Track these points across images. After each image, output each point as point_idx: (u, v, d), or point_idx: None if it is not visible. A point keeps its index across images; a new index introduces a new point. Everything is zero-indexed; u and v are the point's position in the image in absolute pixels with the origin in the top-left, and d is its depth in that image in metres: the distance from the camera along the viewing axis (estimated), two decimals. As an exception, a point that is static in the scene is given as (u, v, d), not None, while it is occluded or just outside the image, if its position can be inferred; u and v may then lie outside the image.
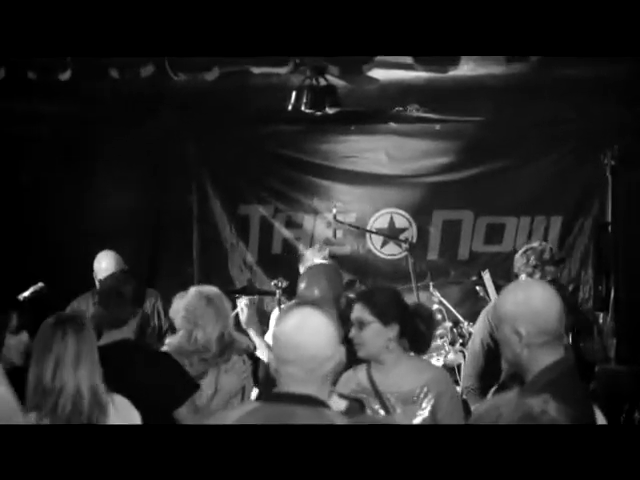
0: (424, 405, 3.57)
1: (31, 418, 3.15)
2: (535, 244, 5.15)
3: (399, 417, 3.50)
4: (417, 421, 3.54)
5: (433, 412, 3.55)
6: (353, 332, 3.63)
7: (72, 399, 3.20)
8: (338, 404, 3.10)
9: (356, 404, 3.21)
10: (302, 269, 5.65)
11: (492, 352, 4.59)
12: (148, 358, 4.02)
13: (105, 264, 5.64)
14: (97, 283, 5.56)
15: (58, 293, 5.67)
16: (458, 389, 4.17)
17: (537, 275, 4.88)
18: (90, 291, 5.65)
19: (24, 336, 3.47)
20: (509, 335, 2.90)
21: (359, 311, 3.64)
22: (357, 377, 3.68)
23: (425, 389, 3.57)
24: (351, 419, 2.85)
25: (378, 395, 3.58)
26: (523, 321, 2.86)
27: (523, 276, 4.92)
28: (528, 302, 2.89)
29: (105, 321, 3.94)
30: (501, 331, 2.96)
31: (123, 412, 3.33)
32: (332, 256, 5.90)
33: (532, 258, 4.93)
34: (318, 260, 5.76)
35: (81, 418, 3.20)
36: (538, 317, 2.87)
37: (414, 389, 3.58)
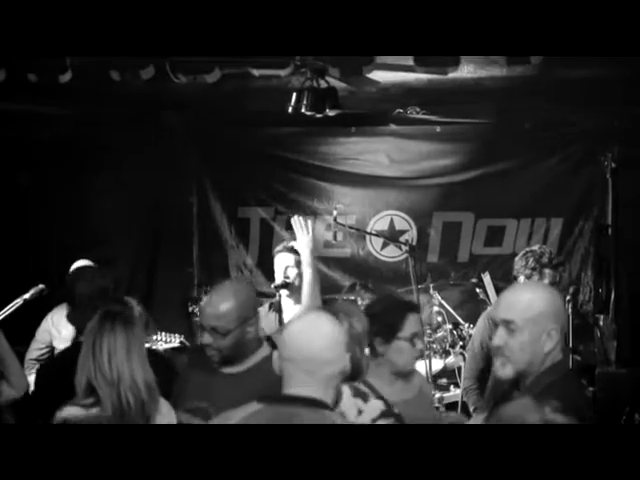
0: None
1: (92, 413, 3.17)
2: (535, 247, 5.18)
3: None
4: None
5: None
6: None
7: (130, 390, 3.22)
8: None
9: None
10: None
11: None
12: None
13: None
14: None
15: (58, 295, 5.67)
16: None
17: (535, 277, 4.91)
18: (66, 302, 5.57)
19: None
20: (536, 336, 2.84)
21: None
22: None
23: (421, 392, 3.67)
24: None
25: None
26: (555, 320, 2.86)
27: (522, 278, 4.94)
28: (554, 302, 2.89)
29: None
30: (523, 334, 2.86)
31: (168, 415, 3.35)
32: (290, 248, 5.74)
33: (531, 260, 4.95)
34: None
35: (143, 411, 3.23)
36: (562, 315, 2.91)
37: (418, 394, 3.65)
